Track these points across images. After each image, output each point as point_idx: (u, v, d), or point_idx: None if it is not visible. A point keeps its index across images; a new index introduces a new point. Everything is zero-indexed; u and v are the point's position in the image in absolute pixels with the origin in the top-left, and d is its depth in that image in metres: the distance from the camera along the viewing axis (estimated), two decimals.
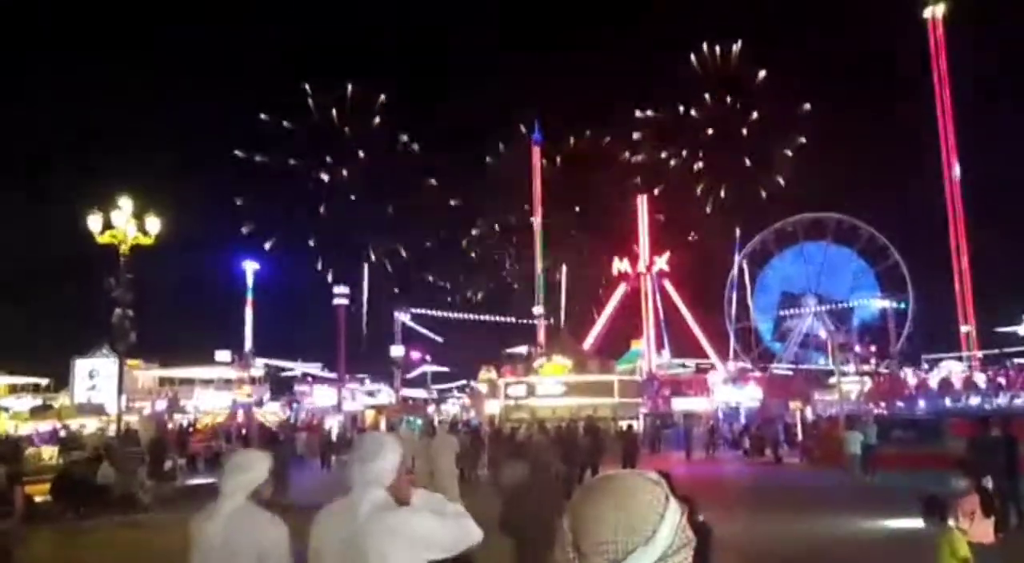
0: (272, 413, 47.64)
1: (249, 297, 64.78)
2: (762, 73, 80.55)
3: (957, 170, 58.87)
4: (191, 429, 36.51)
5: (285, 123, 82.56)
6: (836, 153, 66.93)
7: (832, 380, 48.75)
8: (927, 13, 61.09)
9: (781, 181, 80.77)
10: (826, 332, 55.54)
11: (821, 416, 37.75)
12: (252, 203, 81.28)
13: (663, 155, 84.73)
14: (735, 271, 70.43)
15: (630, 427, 33.47)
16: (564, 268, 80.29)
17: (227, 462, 3.84)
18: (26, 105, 79.80)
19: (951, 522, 7.04)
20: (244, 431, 29.48)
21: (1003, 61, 65.28)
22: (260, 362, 56.70)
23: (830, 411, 38.00)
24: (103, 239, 19.00)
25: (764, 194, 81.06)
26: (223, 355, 54.46)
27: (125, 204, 19.15)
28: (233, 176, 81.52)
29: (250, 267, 65.12)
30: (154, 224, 19.47)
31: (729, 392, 49.66)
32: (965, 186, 58.67)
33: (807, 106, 77.69)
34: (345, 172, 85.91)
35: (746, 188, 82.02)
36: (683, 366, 64.69)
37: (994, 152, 64.15)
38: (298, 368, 63.99)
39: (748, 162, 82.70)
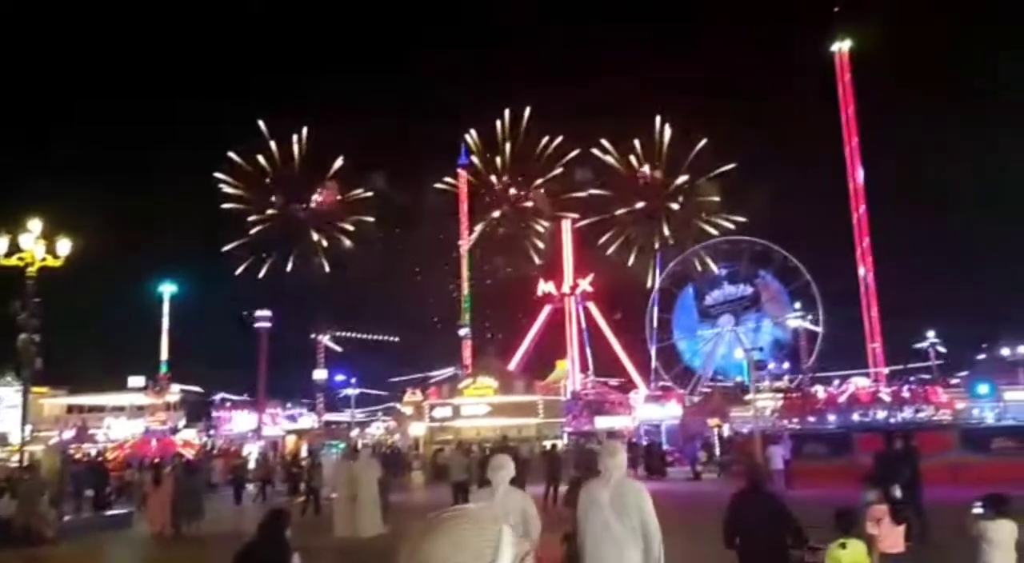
0: (188, 440, 46.04)
1: (165, 321, 62.82)
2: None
3: (861, 186, 61.89)
4: (101, 458, 34.97)
5: None
6: (753, 182, 70.50)
7: (749, 397, 50.23)
8: (834, 47, 64.09)
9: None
10: (742, 350, 57.13)
11: (738, 432, 38.65)
12: (169, 225, 78.77)
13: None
14: (656, 292, 72.09)
15: (554, 446, 33.66)
16: (490, 288, 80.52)
17: (492, 463, 6.12)
18: None
19: (870, 529, 7.45)
20: (157, 460, 28.41)
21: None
22: (176, 387, 54.92)
23: (746, 427, 39.02)
24: (8, 262, 18.25)
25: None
26: (136, 380, 52.61)
27: (34, 226, 18.45)
28: (150, 198, 78.67)
29: (167, 290, 63.25)
30: (64, 246, 18.80)
31: (650, 410, 50.41)
32: (871, 217, 61.87)
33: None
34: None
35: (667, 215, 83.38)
36: (606, 384, 65.54)
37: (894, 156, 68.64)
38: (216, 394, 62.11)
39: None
